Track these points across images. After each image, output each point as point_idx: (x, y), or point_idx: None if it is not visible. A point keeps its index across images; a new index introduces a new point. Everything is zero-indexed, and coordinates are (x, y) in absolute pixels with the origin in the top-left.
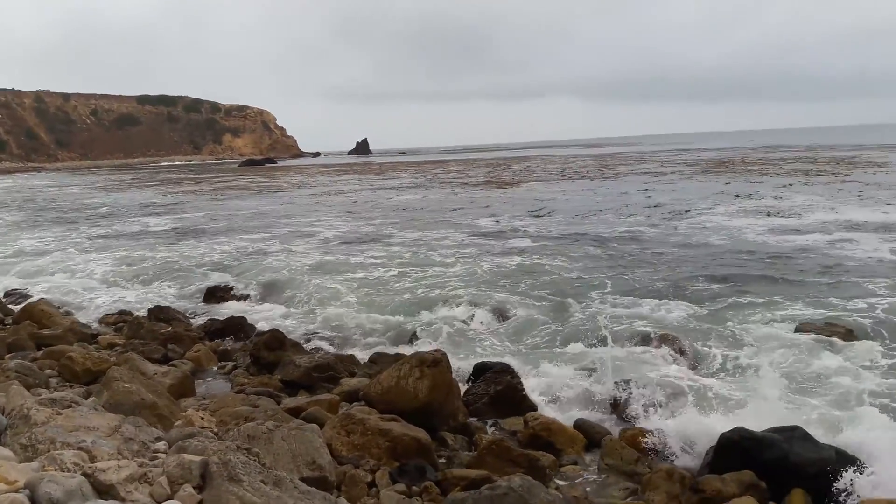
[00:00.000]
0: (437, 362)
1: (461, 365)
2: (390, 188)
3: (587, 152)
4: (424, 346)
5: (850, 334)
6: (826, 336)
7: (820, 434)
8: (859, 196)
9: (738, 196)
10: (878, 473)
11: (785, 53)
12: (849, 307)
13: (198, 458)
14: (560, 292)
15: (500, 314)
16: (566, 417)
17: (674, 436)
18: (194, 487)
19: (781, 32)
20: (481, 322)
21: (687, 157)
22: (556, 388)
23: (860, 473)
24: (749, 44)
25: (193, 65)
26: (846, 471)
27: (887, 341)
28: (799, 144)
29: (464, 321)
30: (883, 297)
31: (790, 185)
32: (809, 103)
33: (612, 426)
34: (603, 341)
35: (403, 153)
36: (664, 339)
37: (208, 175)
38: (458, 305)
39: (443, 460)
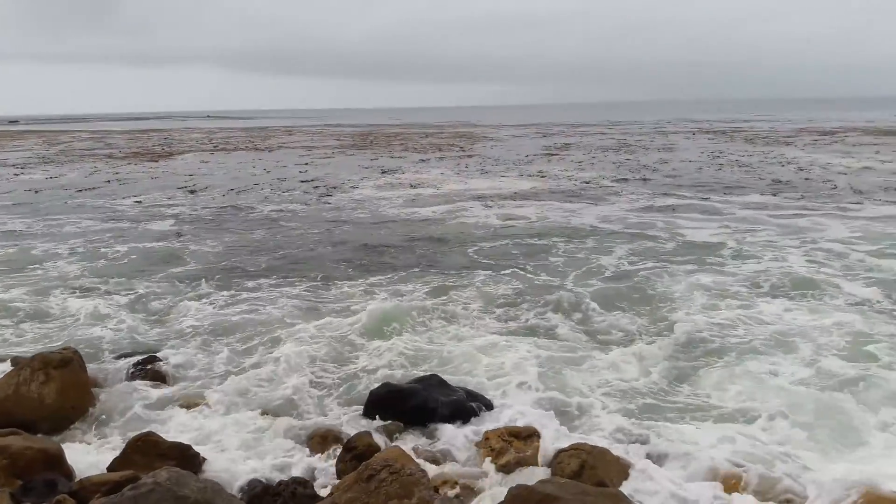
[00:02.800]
0: (66, 362)
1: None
2: (11, 164)
3: (233, 125)
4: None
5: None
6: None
7: (456, 379)
8: (481, 170)
9: (384, 171)
10: (498, 409)
11: (420, 35)
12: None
13: None
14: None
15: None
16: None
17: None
18: None
19: (418, 15)
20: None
21: (335, 131)
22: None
23: (484, 407)
24: (390, 24)
25: None
26: (477, 405)
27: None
28: (430, 122)
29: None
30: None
31: (428, 159)
32: (442, 84)
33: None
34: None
35: (15, 122)
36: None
37: None
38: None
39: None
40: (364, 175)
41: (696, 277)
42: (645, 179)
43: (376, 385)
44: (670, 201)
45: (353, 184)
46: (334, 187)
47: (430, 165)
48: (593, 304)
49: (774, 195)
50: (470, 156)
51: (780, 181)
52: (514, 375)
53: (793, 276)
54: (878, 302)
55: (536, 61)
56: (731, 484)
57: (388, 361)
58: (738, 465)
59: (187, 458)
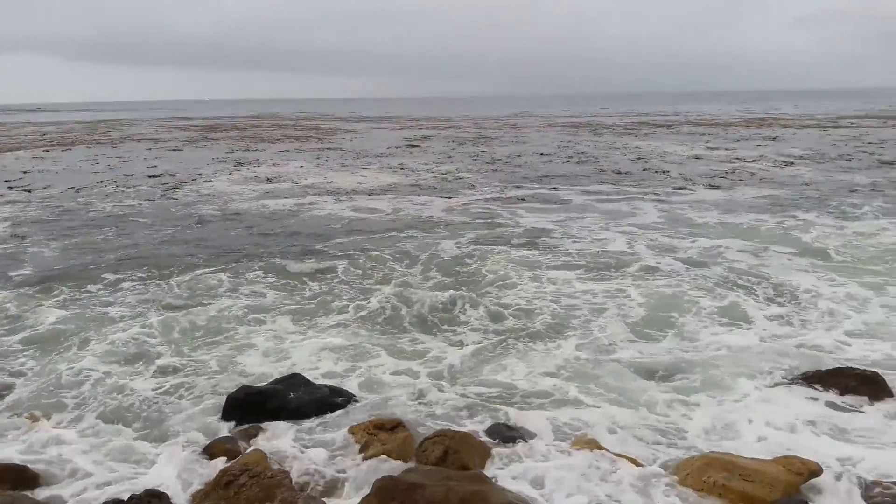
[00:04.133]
0: None
1: None
2: None
3: (69, 118)
4: None
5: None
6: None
7: (315, 376)
8: (342, 164)
9: (239, 164)
10: (362, 403)
11: (275, 26)
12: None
13: None
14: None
15: None
16: None
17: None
18: None
19: (273, 4)
20: None
21: (182, 123)
22: None
23: (350, 400)
24: (243, 13)
25: None
26: (341, 401)
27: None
28: (287, 113)
29: None
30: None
31: (287, 150)
32: (301, 75)
33: None
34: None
35: None
36: None
37: None
38: None
39: None
40: (218, 169)
41: (526, 260)
42: (498, 171)
43: (235, 388)
44: (520, 192)
45: (206, 178)
46: (185, 182)
47: (289, 158)
48: (438, 295)
49: (614, 184)
50: (330, 148)
51: (620, 172)
52: (371, 369)
53: (605, 256)
54: (675, 275)
55: (396, 54)
56: (587, 456)
57: (243, 361)
58: (588, 434)
59: (24, 480)
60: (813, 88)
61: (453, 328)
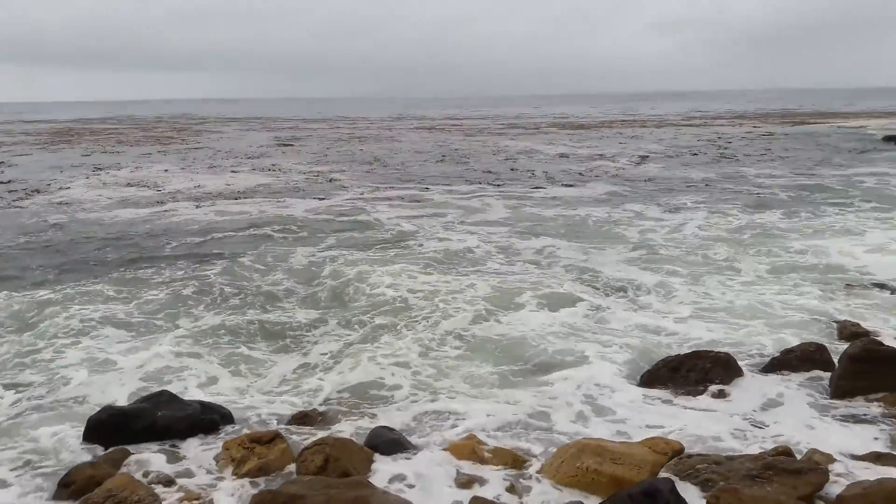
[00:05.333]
0: None
1: None
2: None
3: None
4: None
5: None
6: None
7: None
8: (210, 166)
9: (98, 168)
10: (237, 417)
11: (131, 23)
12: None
13: None
14: None
15: None
16: None
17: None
18: None
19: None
20: None
21: (29, 127)
22: None
23: (222, 415)
24: (100, 9)
25: None
26: (214, 417)
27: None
28: (150, 113)
29: None
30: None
31: (150, 154)
32: (165, 73)
33: None
34: None
35: None
36: None
37: None
38: None
39: None
40: (73, 174)
41: (386, 260)
42: (371, 172)
43: (95, 409)
44: (389, 193)
45: (60, 184)
46: (36, 190)
47: (152, 161)
48: (298, 299)
49: (480, 183)
50: (198, 148)
51: (489, 171)
52: (241, 380)
53: (458, 254)
54: (518, 270)
55: (263, 53)
56: (466, 453)
57: (101, 380)
58: (467, 435)
59: None
60: (669, 90)
61: (316, 333)
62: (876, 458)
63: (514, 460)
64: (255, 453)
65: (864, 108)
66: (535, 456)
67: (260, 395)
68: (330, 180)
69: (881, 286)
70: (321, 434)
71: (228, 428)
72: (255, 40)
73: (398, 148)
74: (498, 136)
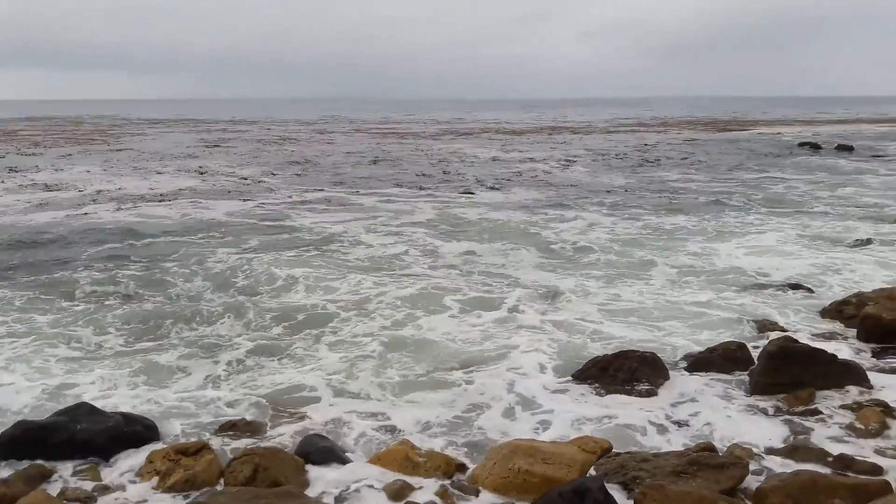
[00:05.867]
0: None
1: None
2: None
3: None
4: None
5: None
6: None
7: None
8: (134, 167)
9: (13, 170)
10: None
11: (36, 21)
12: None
13: None
14: None
15: None
16: None
17: None
18: None
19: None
20: None
21: None
22: None
23: (146, 427)
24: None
25: None
26: (137, 429)
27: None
28: (68, 114)
29: None
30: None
31: (70, 155)
32: (77, 72)
33: None
34: None
35: None
36: None
37: None
38: None
39: None
40: None
41: (308, 263)
42: (301, 175)
43: (7, 425)
44: (317, 195)
45: None
46: None
47: (73, 162)
48: (218, 304)
49: (409, 187)
50: (121, 150)
51: (424, 174)
52: (162, 390)
53: (383, 258)
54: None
55: (187, 53)
56: (399, 459)
57: (10, 393)
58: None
59: None
60: (597, 97)
61: (238, 339)
62: (792, 450)
63: (447, 464)
64: (181, 465)
65: (780, 115)
66: (468, 458)
67: (185, 404)
68: (258, 182)
69: (795, 287)
70: (250, 443)
71: (153, 440)
72: (181, 41)
73: (332, 148)
74: (432, 139)
